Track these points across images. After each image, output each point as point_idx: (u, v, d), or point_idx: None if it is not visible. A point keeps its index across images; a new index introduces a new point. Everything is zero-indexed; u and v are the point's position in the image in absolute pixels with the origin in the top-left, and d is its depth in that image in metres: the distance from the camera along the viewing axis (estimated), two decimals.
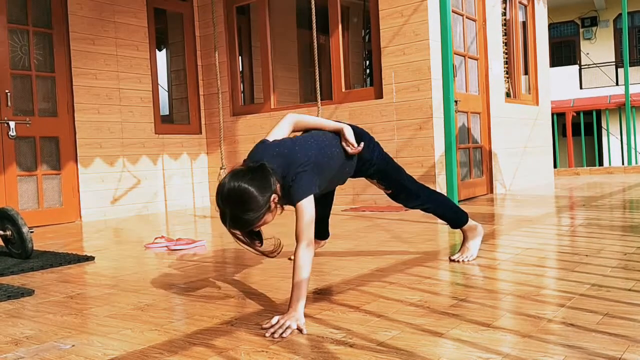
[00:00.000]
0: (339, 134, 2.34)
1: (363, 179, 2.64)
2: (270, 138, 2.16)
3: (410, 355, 1.46)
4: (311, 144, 2.17)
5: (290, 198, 2.00)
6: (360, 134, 2.45)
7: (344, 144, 2.31)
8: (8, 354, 1.64)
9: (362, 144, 2.34)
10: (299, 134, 2.36)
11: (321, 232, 2.88)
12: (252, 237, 1.98)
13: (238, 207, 1.86)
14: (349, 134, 2.32)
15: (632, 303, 1.80)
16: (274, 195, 1.91)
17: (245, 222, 1.88)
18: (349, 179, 2.54)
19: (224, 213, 1.89)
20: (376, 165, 2.50)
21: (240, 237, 1.95)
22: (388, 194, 2.64)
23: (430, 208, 2.67)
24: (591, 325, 1.61)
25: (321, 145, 2.21)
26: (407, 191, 2.59)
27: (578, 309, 1.77)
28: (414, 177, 2.69)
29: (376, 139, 2.58)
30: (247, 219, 1.87)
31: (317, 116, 4.66)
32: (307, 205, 1.97)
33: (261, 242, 2.02)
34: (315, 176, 2.07)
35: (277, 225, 2.17)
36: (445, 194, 4.49)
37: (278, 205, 1.96)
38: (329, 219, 2.94)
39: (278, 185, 1.95)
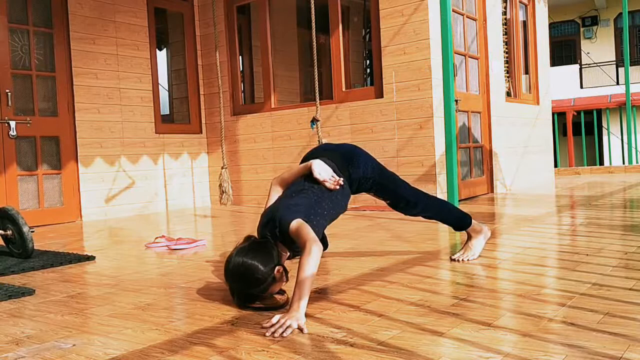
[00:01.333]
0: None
1: None
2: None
3: (411, 354, 1.46)
4: (292, 197, 2.25)
5: (284, 237, 2.08)
6: (350, 154, 2.49)
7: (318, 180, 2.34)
8: (9, 353, 1.64)
9: (340, 181, 2.34)
10: None
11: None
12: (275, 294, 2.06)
13: (244, 283, 1.96)
14: (317, 171, 2.31)
15: (633, 302, 1.80)
16: (278, 267, 1.98)
17: (252, 297, 1.98)
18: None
19: (232, 289, 2.02)
20: (372, 180, 2.52)
21: (255, 306, 1.99)
22: (387, 204, 2.65)
23: (430, 214, 2.68)
24: (592, 324, 1.61)
25: (298, 189, 2.28)
26: (405, 200, 2.60)
27: (579, 308, 1.77)
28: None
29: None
30: (253, 294, 1.97)
31: (317, 115, 4.68)
32: (298, 224, 2.05)
33: (282, 293, 2.09)
34: (299, 213, 2.11)
35: None
36: (446, 194, 4.49)
37: (284, 276, 2.02)
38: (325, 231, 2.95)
39: (283, 254, 2.09)
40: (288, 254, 2.17)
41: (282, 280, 2.02)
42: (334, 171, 2.37)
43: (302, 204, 2.19)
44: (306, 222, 2.08)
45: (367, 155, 2.56)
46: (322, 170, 2.33)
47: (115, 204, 5.84)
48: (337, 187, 2.32)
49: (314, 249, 1.92)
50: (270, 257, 1.98)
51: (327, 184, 2.31)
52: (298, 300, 1.79)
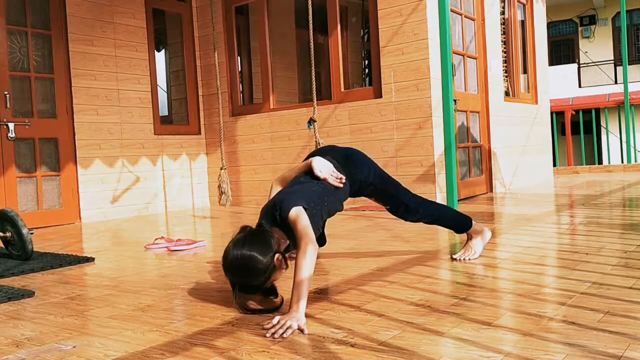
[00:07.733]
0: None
1: None
2: None
3: (412, 354, 1.45)
4: (293, 186, 2.27)
5: (284, 224, 2.06)
6: (353, 157, 2.50)
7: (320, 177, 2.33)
8: (9, 355, 1.64)
9: (343, 178, 2.35)
10: None
11: (318, 240, 2.89)
12: (267, 293, 2.02)
13: (244, 274, 1.92)
14: (318, 169, 2.32)
15: (633, 301, 1.80)
16: (277, 255, 1.95)
17: (253, 287, 1.95)
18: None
19: (232, 282, 1.97)
20: (373, 185, 2.53)
21: (248, 306, 1.94)
22: (387, 209, 2.65)
23: (430, 220, 2.68)
24: (592, 323, 1.61)
25: (302, 182, 2.29)
26: (405, 206, 2.60)
27: (579, 307, 1.77)
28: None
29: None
30: (254, 284, 1.93)
31: (314, 115, 4.67)
32: (298, 212, 2.03)
33: (276, 296, 2.03)
34: (300, 199, 2.11)
35: None
36: (445, 194, 4.49)
37: (283, 263, 1.99)
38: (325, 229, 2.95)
39: (282, 241, 2.05)
40: (288, 242, 2.12)
41: (282, 267, 1.98)
42: (335, 168, 2.37)
43: (304, 190, 2.20)
44: (306, 209, 2.06)
45: (370, 161, 2.57)
46: (322, 167, 2.33)
47: (114, 206, 5.83)
48: (340, 184, 2.33)
49: (310, 249, 1.90)
50: (269, 246, 1.94)
51: (329, 181, 2.31)
52: (297, 301, 1.79)
